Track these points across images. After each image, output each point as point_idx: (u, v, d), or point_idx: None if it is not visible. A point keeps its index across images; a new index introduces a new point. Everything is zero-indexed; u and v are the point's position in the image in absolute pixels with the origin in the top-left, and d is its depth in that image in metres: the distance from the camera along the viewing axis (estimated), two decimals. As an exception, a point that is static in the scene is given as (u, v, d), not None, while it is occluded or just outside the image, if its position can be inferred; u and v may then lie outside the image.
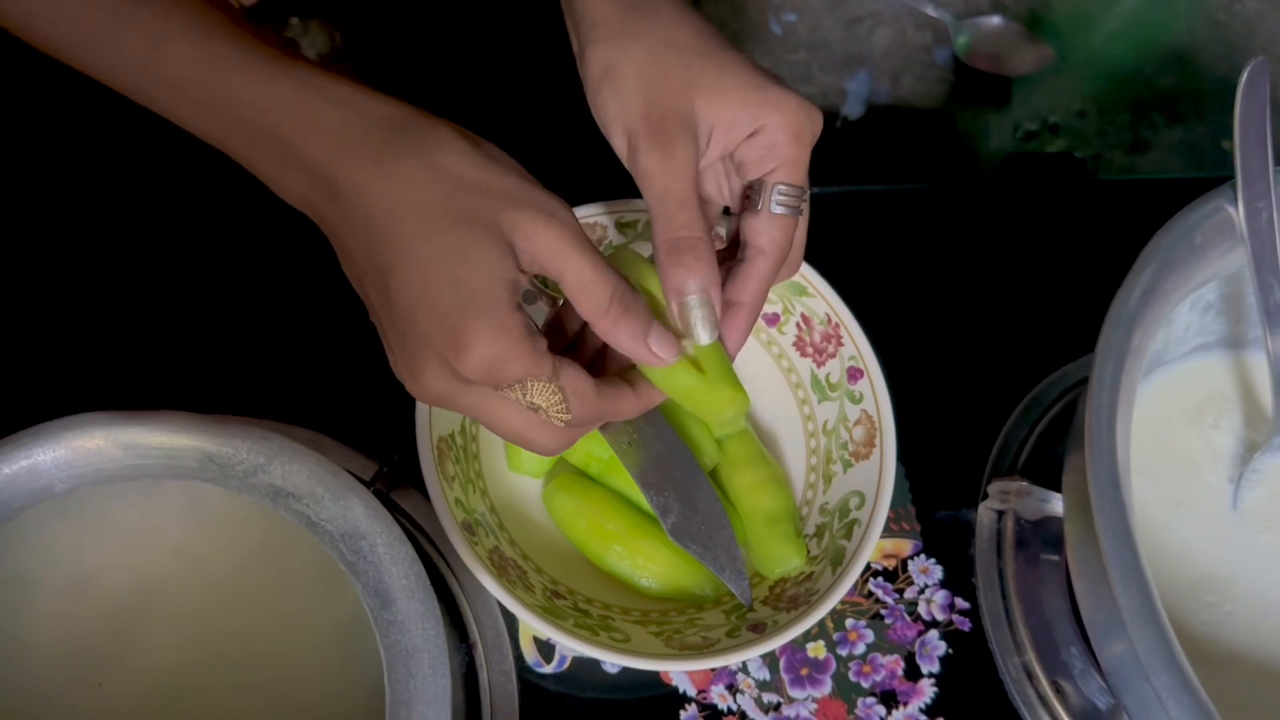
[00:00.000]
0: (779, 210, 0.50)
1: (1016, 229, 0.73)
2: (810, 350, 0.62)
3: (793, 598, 0.56)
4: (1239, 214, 0.53)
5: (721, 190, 0.53)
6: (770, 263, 0.51)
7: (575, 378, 0.44)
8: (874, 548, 0.56)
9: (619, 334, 0.45)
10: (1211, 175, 0.57)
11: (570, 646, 0.52)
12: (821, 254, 0.61)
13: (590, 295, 0.43)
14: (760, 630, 0.54)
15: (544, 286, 0.46)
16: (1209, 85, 1.28)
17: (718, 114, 0.48)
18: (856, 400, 0.60)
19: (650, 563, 0.57)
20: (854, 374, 0.60)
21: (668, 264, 0.48)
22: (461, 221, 0.41)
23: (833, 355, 0.61)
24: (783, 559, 0.57)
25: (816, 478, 0.61)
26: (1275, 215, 0.53)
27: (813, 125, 0.50)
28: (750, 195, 0.51)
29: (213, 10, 0.43)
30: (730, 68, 0.48)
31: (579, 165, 0.71)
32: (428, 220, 0.41)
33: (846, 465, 0.60)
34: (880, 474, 0.58)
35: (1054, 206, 0.74)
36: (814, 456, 0.62)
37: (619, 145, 0.49)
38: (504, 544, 0.56)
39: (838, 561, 0.56)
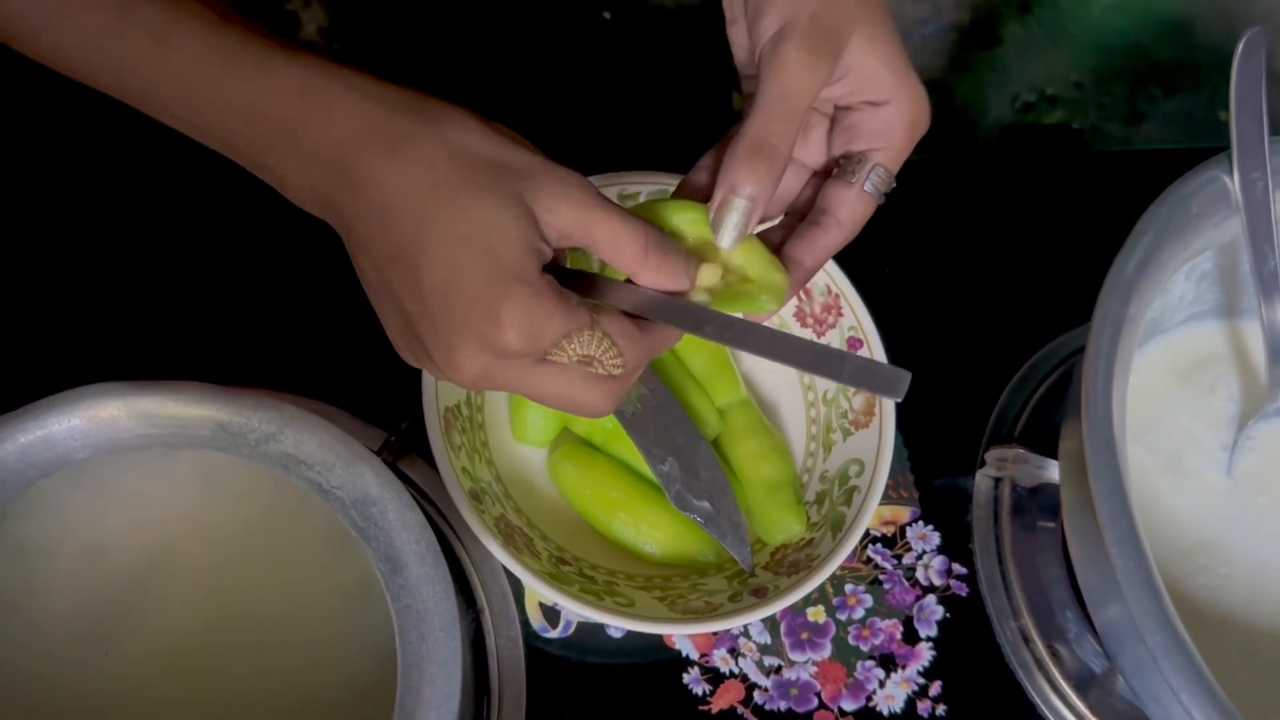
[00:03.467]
0: (871, 190, 0.51)
1: (1014, 200, 0.73)
2: (810, 321, 0.63)
3: (793, 563, 0.57)
4: (1234, 184, 0.54)
5: (811, 132, 0.53)
6: (844, 236, 0.51)
7: (616, 320, 0.43)
8: (873, 514, 0.56)
9: (663, 275, 0.44)
10: (1208, 146, 0.57)
11: (576, 611, 0.53)
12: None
13: (626, 247, 0.43)
14: (762, 595, 0.55)
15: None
16: (1206, 56, 1.28)
17: (865, 60, 0.48)
18: None
19: (654, 529, 0.58)
20: (854, 344, 0.61)
21: (740, 159, 0.47)
22: (484, 192, 0.41)
23: (833, 326, 0.62)
24: (784, 525, 0.58)
25: (817, 446, 0.62)
26: (1270, 185, 0.54)
27: (927, 118, 0.50)
28: (845, 166, 0.51)
29: (219, 6, 0.42)
30: (891, 30, 0.48)
31: (581, 137, 0.72)
32: (451, 196, 0.41)
33: (846, 434, 0.60)
34: (879, 442, 0.58)
35: (1051, 178, 0.74)
36: (814, 425, 0.63)
37: (766, 25, 0.48)
38: (510, 512, 0.57)
39: (838, 528, 0.57)
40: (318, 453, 0.45)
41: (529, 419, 0.60)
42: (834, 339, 0.62)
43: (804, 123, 0.48)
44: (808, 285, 0.62)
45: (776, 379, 0.65)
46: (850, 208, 0.51)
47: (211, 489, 0.52)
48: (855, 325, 0.61)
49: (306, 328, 0.64)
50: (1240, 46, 0.54)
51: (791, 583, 0.55)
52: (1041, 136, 0.80)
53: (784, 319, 0.64)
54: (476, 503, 0.54)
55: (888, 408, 0.59)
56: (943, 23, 1.29)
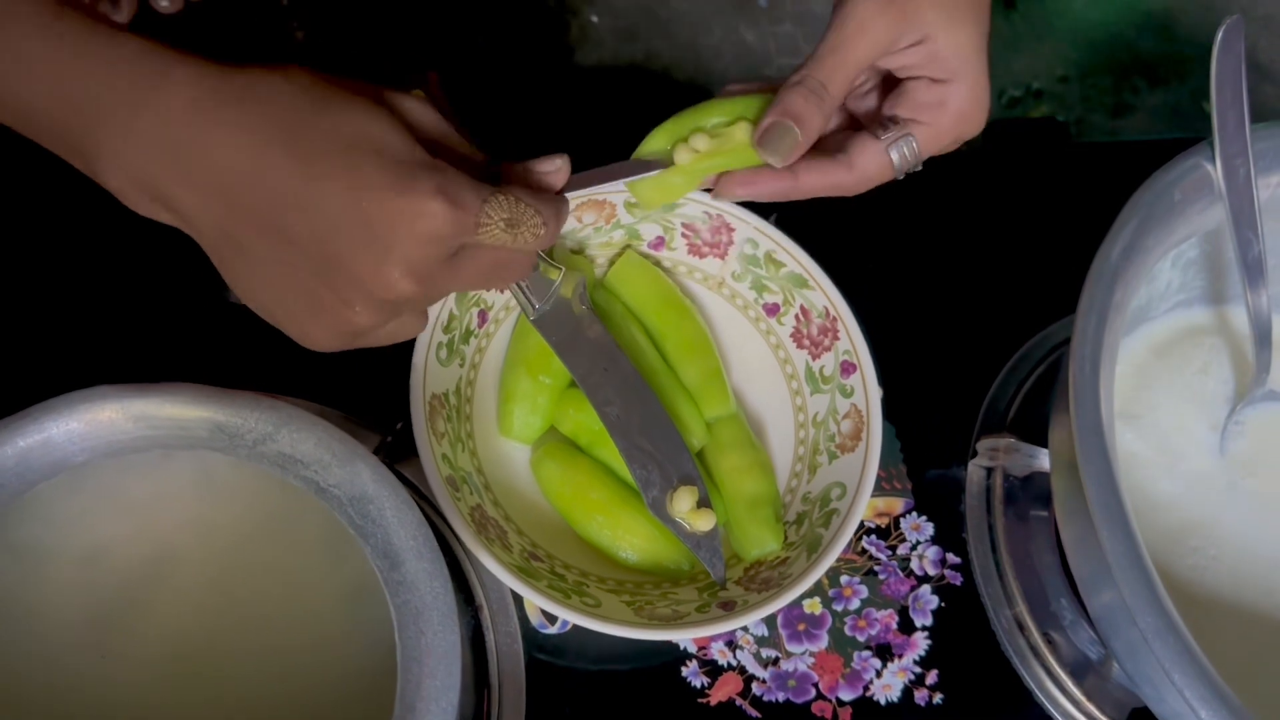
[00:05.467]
0: (895, 157, 0.52)
1: (1001, 193, 0.74)
2: (807, 343, 0.63)
3: (765, 580, 0.57)
4: (1217, 171, 0.54)
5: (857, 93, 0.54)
6: (850, 180, 0.53)
7: (515, 188, 0.44)
8: (850, 537, 0.56)
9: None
10: (1193, 136, 0.57)
11: (541, 606, 0.53)
12: (810, 218, 0.62)
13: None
14: (730, 608, 0.55)
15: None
16: (1190, 48, 1.29)
17: (938, 34, 0.49)
18: (847, 394, 0.61)
19: (630, 535, 0.58)
20: (847, 368, 0.61)
21: (797, 94, 0.49)
22: (348, 104, 0.41)
23: (828, 349, 0.62)
24: (760, 542, 0.58)
25: (802, 467, 0.62)
26: (1252, 171, 0.54)
27: (979, 120, 0.51)
28: (881, 123, 0.52)
29: None
30: (974, 19, 0.50)
31: (580, 139, 0.72)
32: (316, 116, 0.40)
33: (832, 457, 0.61)
34: (863, 467, 0.58)
35: (1038, 170, 0.75)
36: (802, 446, 0.63)
37: None
38: (487, 504, 0.58)
39: (813, 548, 0.57)
40: (314, 451, 0.45)
41: (516, 415, 0.60)
42: (828, 362, 0.62)
43: (855, 78, 0.50)
44: (805, 307, 0.63)
45: (769, 398, 0.65)
46: (866, 159, 0.52)
47: (210, 492, 0.52)
48: (850, 349, 0.61)
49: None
50: (1220, 34, 0.54)
51: (761, 599, 0.55)
52: (1028, 130, 0.80)
53: (781, 339, 0.65)
54: (453, 490, 0.55)
55: (875, 434, 0.59)
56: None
